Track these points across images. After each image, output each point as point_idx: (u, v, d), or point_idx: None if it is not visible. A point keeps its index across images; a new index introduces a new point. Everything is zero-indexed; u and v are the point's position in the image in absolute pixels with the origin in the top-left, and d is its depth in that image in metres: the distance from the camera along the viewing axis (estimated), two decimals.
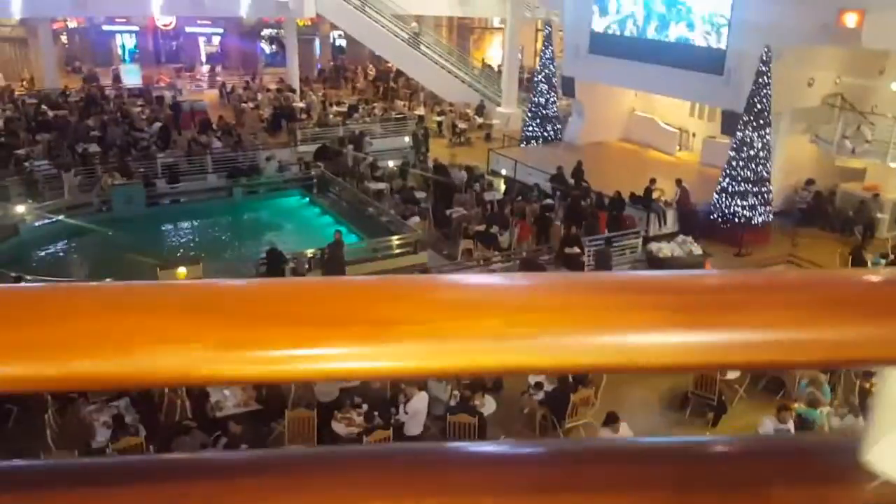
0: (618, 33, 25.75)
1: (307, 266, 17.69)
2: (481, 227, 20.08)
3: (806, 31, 19.54)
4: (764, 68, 19.60)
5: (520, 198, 22.38)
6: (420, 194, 22.84)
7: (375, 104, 35.06)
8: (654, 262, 18.38)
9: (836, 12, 18.87)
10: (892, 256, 18.40)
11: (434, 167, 24.95)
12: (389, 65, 39.42)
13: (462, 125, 31.92)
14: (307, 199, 24.61)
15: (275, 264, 17.08)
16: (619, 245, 19.17)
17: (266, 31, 46.34)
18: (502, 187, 24.64)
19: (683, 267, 17.81)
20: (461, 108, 33.75)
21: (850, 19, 18.72)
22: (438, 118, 33.17)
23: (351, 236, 20.54)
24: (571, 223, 20.02)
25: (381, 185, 23.67)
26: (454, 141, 31.39)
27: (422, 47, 35.36)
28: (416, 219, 20.80)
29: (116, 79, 38.51)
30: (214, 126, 28.96)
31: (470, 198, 22.63)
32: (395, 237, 19.55)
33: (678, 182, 21.51)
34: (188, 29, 45.00)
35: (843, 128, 19.86)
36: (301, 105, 34.15)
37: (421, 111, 33.79)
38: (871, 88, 21.37)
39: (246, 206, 23.69)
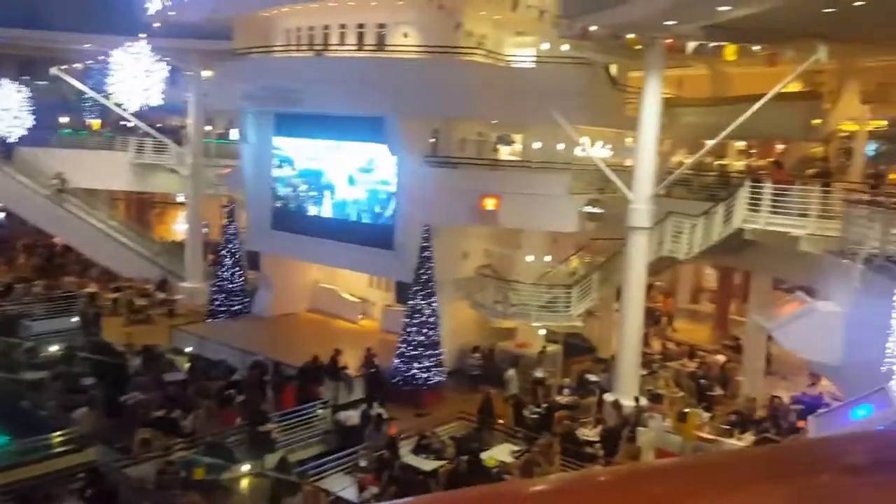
0: (298, 211, 27.26)
1: None
2: (161, 413, 18.89)
3: (457, 213, 22.66)
4: (426, 244, 22.11)
5: (204, 376, 21.69)
6: (89, 381, 20.92)
7: (37, 282, 31.86)
8: (343, 431, 18.83)
9: (479, 197, 22.27)
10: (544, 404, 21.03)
11: (106, 349, 23.23)
12: (57, 239, 36.76)
13: (141, 302, 30.45)
14: None
15: None
16: (307, 416, 19.33)
17: None
18: (186, 366, 23.64)
19: (368, 433, 18.51)
20: (140, 284, 32.34)
21: (490, 203, 22.19)
22: (114, 295, 31.30)
23: None
24: (256, 399, 19.78)
25: (41, 374, 21.25)
26: (132, 319, 29.70)
27: (94, 221, 33.70)
28: (84, 409, 18.78)
29: None
30: None
31: (148, 380, 21.26)
32: (55, 434, 17.26)
33: (367, 350, 22.61)
34: None
35: (494, 294, 22.89)
36: None
37: (93, 288, 31.61)
38: (514, 259, 25.10)
39: None
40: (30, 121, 31.32)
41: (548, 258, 25.61)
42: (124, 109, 29.16)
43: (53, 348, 23.54)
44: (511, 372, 22.46)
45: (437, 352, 22.20)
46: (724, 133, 18.39)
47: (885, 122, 26.93)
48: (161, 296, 31.61)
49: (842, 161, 25.14)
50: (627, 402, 19.92)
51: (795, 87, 23.43)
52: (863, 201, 14.55)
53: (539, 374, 22.84)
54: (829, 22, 16.88)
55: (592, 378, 22.77)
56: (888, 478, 1.07)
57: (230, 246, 28.78)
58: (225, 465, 16.60)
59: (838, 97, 22.57)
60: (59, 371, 21.54)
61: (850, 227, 13.71)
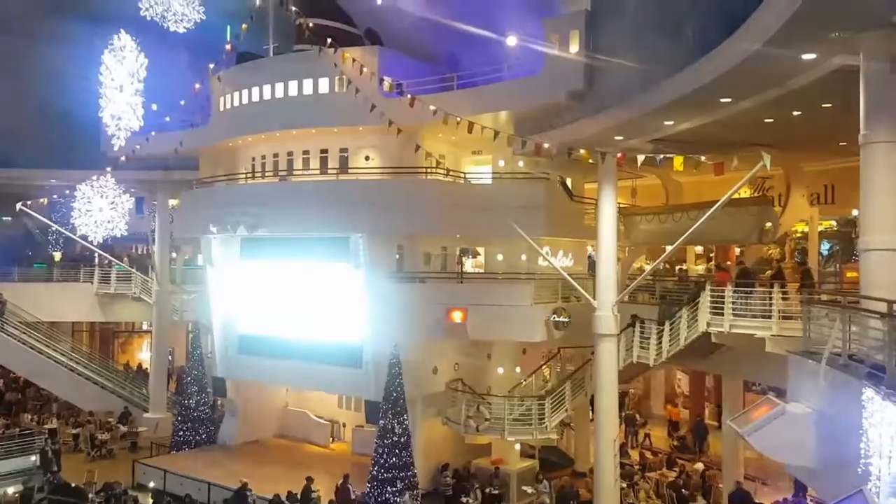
0: (265, 334, 26.97)
1: None
2: None
3: (425, 327, 22.61)
4: (395, 360, 21.90)
5: None
6: None
7: None
8: None
9: (446, 311, 22.33)
10: None
11: (65, 489, 22.17)
12: (15, 374, 35.73)
13: (103, 436, 29.37)
14: None
15: None
16: None
17: None
18: (150, 502, 22.60)
19: None
20: (102, 418, 31.30)
21: (457, 316, 22.23)
22: (74, 431, 30.19)
23: None
24: None
25: None
26: (93, 455, 28.58)
27: (56, 355, 32.91)
28: None
29: None
30: None
31: None
32: None
33: (345, 477, 21.82)
34: None
35: (465, 409, 22.54)
36: None
37: (53, 424, 30.49)
38: (484, 371, 24.91)
39: None
40: None
41: (517, 369, 25.46)
42: (89, 242, 29.17)
43: (10, 490, 22.46)
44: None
45: (410, 473, 21.55)
46: (680, 240, 18.89)
47: (833, 223, 28.00)
48: (123, 429, 30.56)
49: (797, 262, 25.84)
50: None
51: (746, 192, 24.42)
52: (821, 301, 14.86)
53: (531, 489, 22.27)
54: (770, 131, 17.83)
55: (529, 490, 22.24)
56: None
57: (195, 373, 28.22)
58: None
59: (787, 201, 23.48)
60: None
61: (811, 327, 13.92)
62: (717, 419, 28.56)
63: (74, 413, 32.58)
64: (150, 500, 22.64)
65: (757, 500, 20.97)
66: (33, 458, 25.76)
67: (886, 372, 9.05)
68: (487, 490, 22.54)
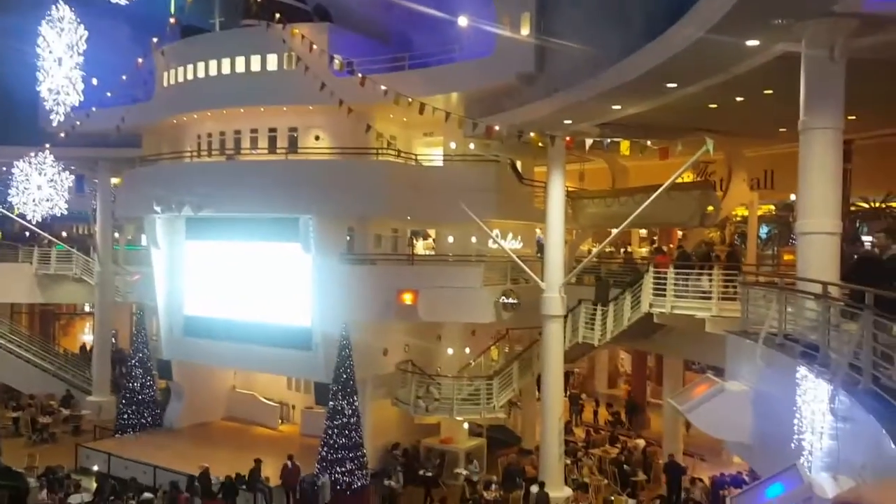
0: (212, 316, 26.59)
1: None
2: None
3: (375, 309, 22.63)
4: (345, 342, 21.87)
5: (113, 497, 20.40)
6: None
7: None
8: None
9: (396, 293, 22.37)
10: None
11: (5, 473, 21.54)
12: None
13: (44, 420, 28.66)
14: None
15: None
16: None
17: None
18: (93, 487, 22.18)
19: None
20: (44, 401, 30.51)
21: (407, 298, 22.29)
22: (14, 414, 29.39)
23: None
24: None
25: None
26: (35, 439, 27.89)
27: None
28: None
29: None
30: None
31: None
32: None
33: (289, 458, 21.78)
34: None
35: (415, 389, 22.68)
36: None
37: None
38: (434, 352, 25.08)
39: None
40: None
41: (467, 350, 25.71)
42: (27, 220, 28.24)
43: None
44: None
45: (360, 453, 21.62)
46: (625, 223, 19.26)
47: (772, 207, 28.86)
48: (66, 412, 29.86)
49: (736, 244, 26.61)
50: (554, 493, 19.79)
51: (689, 177, 25.00)
52: (759, 283, 15.36)
53: (464, 471, 22.48)
54: (714, 117, 18.26)
55: (462, 472, 22.51)
56: None
57: (140, 355, 27.68)
58: None
59: (728, 185, 24.13)
60: None
61: (748, 308, 14.39)
62: (658, 397, 29.38)
63: (14, 396, 31.67)
64: (94, 484, 22.24)
65: (695, 475, 21.68)
66: None
67: (820, 351, 9.43)
68: (421, 472, 22.66)
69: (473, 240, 24.89)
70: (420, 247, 25.99)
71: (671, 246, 25.52)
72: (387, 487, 21.76)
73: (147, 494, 20.45)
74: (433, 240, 26.34)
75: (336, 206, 22.71)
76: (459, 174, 23.55)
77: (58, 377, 32.55)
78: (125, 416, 27.25)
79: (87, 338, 39.03)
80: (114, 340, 35.19)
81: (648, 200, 18.32)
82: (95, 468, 23.76)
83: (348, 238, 23.89)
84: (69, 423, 29.41)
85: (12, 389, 32.14)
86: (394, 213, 23.86)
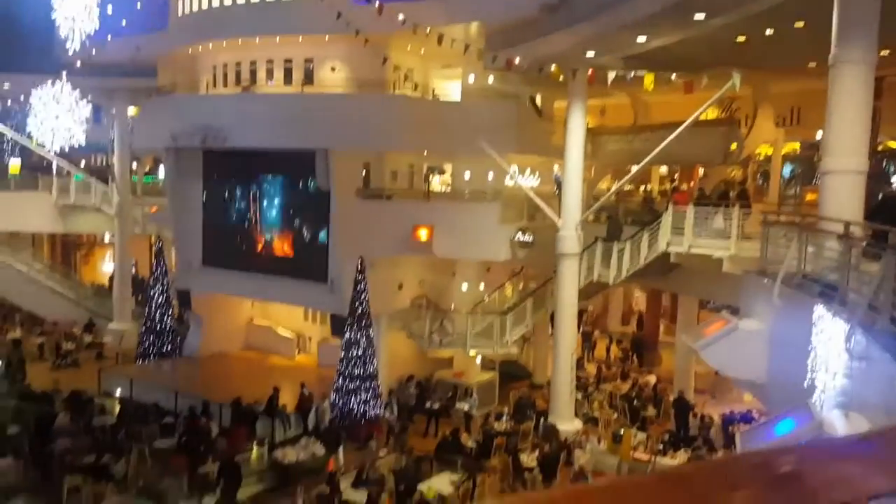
0: (229, 246, 26.79)
1: None
2: (91, 459, 18.19)
3: (390, 244, 22.67)
4: (360, 276, 22.00)
5: (135, 421, 20.99)
6: (13, 429, 20.02)
7: None
8: (279, 468, 18.44)
9: (412, 228, 22.36)
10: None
11: (31, 396, 22.30)
12: None
13: (68, 346, 29.36)
14: None
15: None
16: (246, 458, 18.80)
17: None
18: (116, 410, 22.82)
19: (308, 470, 18.18)
20: (67, 328, 31.19)
21: (423, 234, 22.30)
22: (39, 340, 30.10)
23: None
24: (195, 441, 19.23)
25: None
26: (59, 364, 28.61)
27: (18, 265, 32.44)
28: (8, 460, 18.02)
29: None
30: None
31: (76, 426, 20.48)
32: None
33: (302, 386, 22.27)
34: None
35: (429, 324, 22.90)
36: None
37: (17, 334, 30.35)
38: (449, 288, 25.21)
39: None
40: None
41: (482, 286, 25.82)
42: (47, 150, 28.30)
43: None
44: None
45: (374, 384, 22.01)
46: (646, 160, 18.99)
47: (798, 145, 28.29)
48: (88, 339, 30.54)
49: (759, 183, 26.23)
50: (564, 426, 20.12)
51: (713, 113, 24.46)
52: (780, 222, 15.19)
53: (465, 406, 22.70)
54: (741, 51, 17.74)
55: (465, 407, 22.66)
56: (807, 490, 1.13)
57: (159, 285, 28.06)
58: None
59: (753, 122, 23.60)
60: None
61: (768, 247, 14.26)
62: (672, 336, 29.53)
63: (38, 323, 32.39)
64: (117, 408, 22.88)
65: (705, 412, 21.91)
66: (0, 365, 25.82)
67: (838, 291, 9.35)
68: (427, 405, 22.98)
69: (490, 176, 24.69)
70: (436, 183, 25.81)
71: (691, 184, 25.21)
72: (392, 418, 22.11)
73: (168, 418, 21.03)
74: (449, 175, 26.14)
75: (352, 139, 22.48)
76: (477, 108, 23.18)
77: (80, 305, 33.17)
78: (146, 344, 27.82)
79: (107, 268, 39.61)
80: (134, 270, 35.65)
81: (671, 136, 18.00)
82: (118, 393, 24.38)
83: (364, 172, 23.76)
84: (92, 350, 30.11)
85: (36, 316, 32.82)
86: (410, 148, 23.64)
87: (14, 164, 36.65)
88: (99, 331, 31.45)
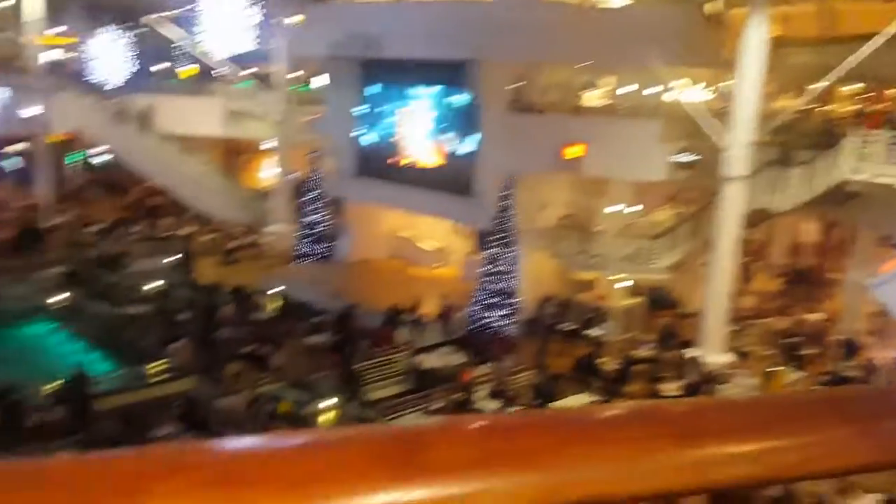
0: (381, 158, 27.25)
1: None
2: (251, 349, 19.63)
3: (539, 161, 22.03)
4: (507, 192, 21.67)
5: (292, 316, 22.35)
6: (184, 316, 21.91)
7: (137, 224, 33.46)
8: (418, 373, 19.02)
9: (562, 145, 21.58)
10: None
11: (200, 288, 24.20)
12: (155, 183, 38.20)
13: (232, 244, 31.45)
14: (54, 325, 22.57)
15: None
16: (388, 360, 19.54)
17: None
18: (274, 306, 24.30)
19: (445, 376, 18.61)
20: (232, 228, 33.36)
21: (574, 151, 21.48)
22: (207, 237, 32.43)
23: (104, 364, 19.18)
24: (345, 339, 20.23)
25: (141, 309, 22.40)
26: (224, 260, 30.77)
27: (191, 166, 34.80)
28: (180, 343, 19.81)
29: None
30: None
31: (239, 318, 22.10)
32: (156, 363, 18.43)
33: (444, 297, 22.66)
34: None
35: (575, 245, 22.30)
36: (52, 224, 31.78)
37: (188, 230, 32.85)
38: (598, 209, 24.36)
39: None
40: (128, 68, 32.38)
41: (635, 208, 24.70)
42: (214, 57, 29.61)
43: (152, 285, 24.56)
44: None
45: (513, 301, 21.95)
46: (833, 75, 17.01)
47: None
48: (250, 239, 32.52)
49: None
50: (712, 359, 19.23)
51: None
52: None
53: (599, 332, 21.95)
54: None
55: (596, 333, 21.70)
56: None
57: (316, 192, 29.18)
58: (309, 400, 17.10)
59: None
60: (157, 306, 22.60)
61: None
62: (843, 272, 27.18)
63: (205, 221, 34.76)
64: (275, 304, 24.32)
65: (872, 355, 20.20)
66: (171, 258, 28.10)
67: None
68: (562, 326, 22.42)
69: (652, 91, 23.18)
70: (594, 96, 24.63)
71: (879, 107, 22.52)
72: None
73: (321, 317, 22.16)
74: (606, 89, 24.85)
75: (505, 49, 21.71)
76: (641, 16, 21.60)
77: (244, 208, 35.23)
78: (301, 247, 29.26)
79: (267, 173, 41.64)
80: (292, 177, 37.21)
81: (864, 49, 15.95)
82: (277, 290, 25.85)
83: (516, 85, 23.03)
84: (253, 249, 32.09)
85: (203, 216, 35.19)
86: (565, 60, 22.54)
87: (188, 69, 38.83)
88: (259, 232, 33.35)
